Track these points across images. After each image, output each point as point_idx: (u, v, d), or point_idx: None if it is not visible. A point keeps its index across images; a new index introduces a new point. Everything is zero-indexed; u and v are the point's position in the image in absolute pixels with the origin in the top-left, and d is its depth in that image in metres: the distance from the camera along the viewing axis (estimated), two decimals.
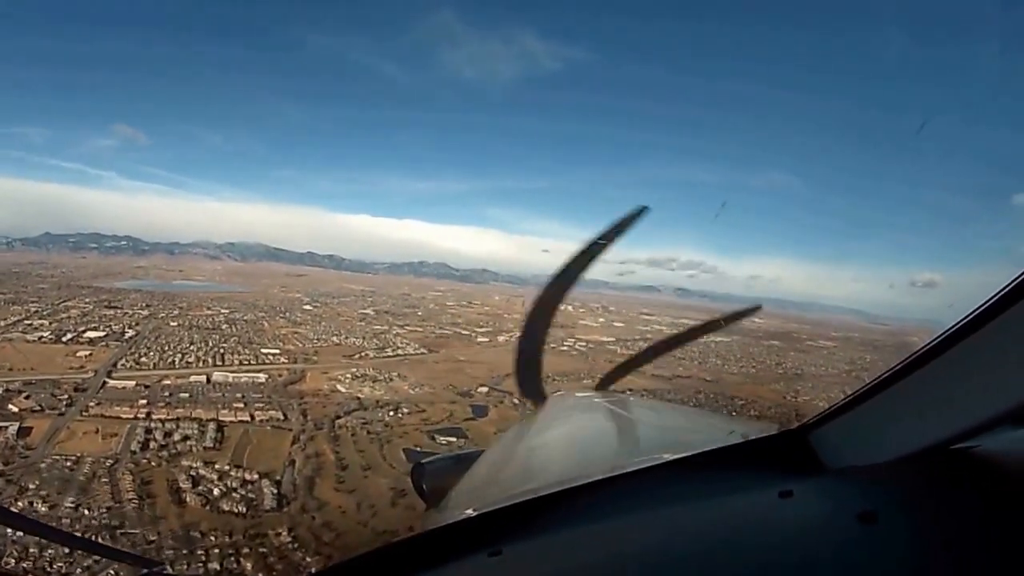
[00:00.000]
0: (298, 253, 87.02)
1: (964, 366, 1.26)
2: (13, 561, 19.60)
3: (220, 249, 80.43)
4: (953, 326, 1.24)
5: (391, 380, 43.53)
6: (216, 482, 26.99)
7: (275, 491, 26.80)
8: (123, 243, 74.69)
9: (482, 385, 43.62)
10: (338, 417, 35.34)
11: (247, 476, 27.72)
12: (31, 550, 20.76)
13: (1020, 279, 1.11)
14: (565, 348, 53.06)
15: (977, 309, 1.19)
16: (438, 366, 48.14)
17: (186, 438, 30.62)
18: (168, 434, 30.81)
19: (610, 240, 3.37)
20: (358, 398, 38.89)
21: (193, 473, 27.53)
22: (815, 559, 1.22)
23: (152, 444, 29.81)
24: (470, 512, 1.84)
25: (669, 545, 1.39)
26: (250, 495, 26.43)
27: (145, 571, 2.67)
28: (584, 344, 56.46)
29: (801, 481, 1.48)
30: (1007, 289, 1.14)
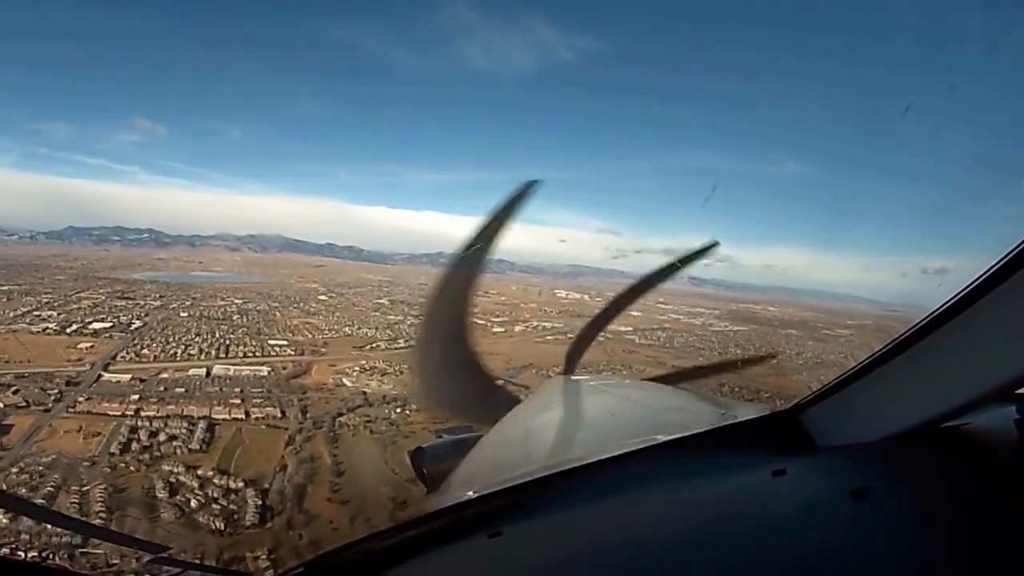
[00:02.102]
0: (317, 244, 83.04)
1: (953, 346, 1.21)
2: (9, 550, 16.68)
3: (240, 241, 76.86)
4: (941, 307, 1.20)
5: (401, 373, 39.05)
6: (196, 491, 22.83)
7: (260, 502, 22.50)
8: (145, 236, 71.55)
9: (497, 378, 39.16)
10: (340, 414, 30.94)
11: (231, 484, 23.51)
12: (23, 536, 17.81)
13: (1004, 261, 1.07)
14: None
15: (964, 290, 1.15)
16: None
17: (172, 438, 26.53)
18: (154, 434, 26.76)
19: (503, 220, 3.30)
20: (364, 393, 34.48)
21: (172, 480, 23.40)
22: (809, 535, 1.18)
23: (135, 445, 25.81)
24: (470, 494, 1.82)
25: (666, 524, 1.37)
26: (231, 507, 22.19)
27: (151, 556, 2.41)
28: (602, 334, 51.62)
29: (794, 460, 1.43)
30: (992, 270, 1.09)
